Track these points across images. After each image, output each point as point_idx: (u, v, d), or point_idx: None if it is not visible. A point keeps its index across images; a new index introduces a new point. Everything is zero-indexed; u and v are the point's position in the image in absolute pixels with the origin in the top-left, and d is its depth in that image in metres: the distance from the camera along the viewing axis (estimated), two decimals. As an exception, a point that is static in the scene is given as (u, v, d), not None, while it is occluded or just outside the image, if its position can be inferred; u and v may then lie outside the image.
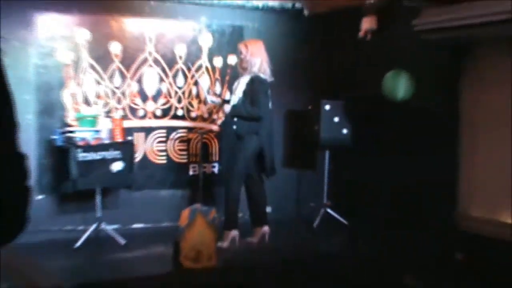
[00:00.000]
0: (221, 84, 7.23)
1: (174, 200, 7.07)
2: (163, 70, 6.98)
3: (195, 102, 7.19)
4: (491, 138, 6.11)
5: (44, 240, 6.04)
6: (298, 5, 7.46)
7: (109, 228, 6.31)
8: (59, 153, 6.30)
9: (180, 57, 7.05)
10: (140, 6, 6.81)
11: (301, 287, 5.51)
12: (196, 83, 7.10)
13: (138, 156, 6.87)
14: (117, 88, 6.76)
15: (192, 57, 7.10)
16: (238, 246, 6.09)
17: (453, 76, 6.38)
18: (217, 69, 7.17)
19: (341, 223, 7.14)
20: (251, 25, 7.42)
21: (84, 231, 6.24)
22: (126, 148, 6.41)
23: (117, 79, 6.76)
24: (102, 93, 6.68)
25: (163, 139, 7.08)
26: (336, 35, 7.52)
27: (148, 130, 6.99)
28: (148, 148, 7.00)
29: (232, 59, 7.20)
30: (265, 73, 6.16)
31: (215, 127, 7.31)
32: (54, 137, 6.34)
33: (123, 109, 6.81)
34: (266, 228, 6.40)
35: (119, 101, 6.78)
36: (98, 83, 6.65)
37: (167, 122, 7.07)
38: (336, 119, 7.07)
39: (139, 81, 6.88)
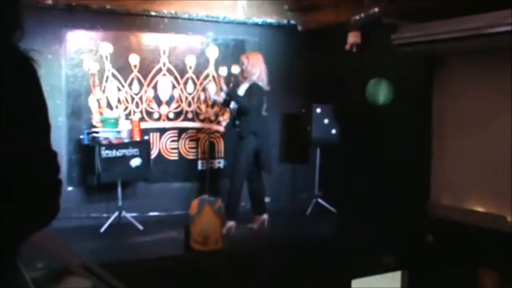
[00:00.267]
0: (227, 87, 7.22)
1: (185, 191, 7.03)
2: (175, 79, 6.97)
3: (203, 106, 7.19)
4: (459, 137, 6.12)
5: (74, 226, 5.98)
6: (292, 21, 7.48)
7: (129, 215, 6.28)
8: (86, 151, 6.30)
9: (190, 67, 7.05)
10: (155, 23, 6.80)
11: (296, 266, 5.58)
12: (204, 90, 7.14)
13: (153, 153, 6.84)
14: (135, 94, 6.75)
15: (200, 67, 7.10)
16: (235, 233, 6.06)
17: (426, 83, 6.38)
18: (222, 78, 7.12)
19: (331, 211, 7.11)
20: (252, 39, 7.38)
21: (107, 218, 6.21)
22: (143, 146, 6.39)
23: (136, 86, 6.74)
24: (123, 98, 6.69)
25: (175, 138, 7.06)
26: (325, 47, 7.48)
27: (162, 131, 6.98)
28: (163, 146, 7.00)
29: (235, 69, 7.18)
30: (263, 82, 6.17)
31: (220, 128, 7.33)
32: (82, 136, 6.34)
33: (141, 112, 6.80)
34: (265, 216, 6.39)
35: (137, 106, 6.78)
36: (119, 89, 6.65)
37: (179, 123, 7.06)
38: (326, 121, 7.05)
39: (155, 88, 6.86)
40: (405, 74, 6.44)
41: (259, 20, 7.30)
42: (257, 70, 6.15)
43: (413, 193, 6.33)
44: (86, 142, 6.29)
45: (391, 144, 6.65)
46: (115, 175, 6.16)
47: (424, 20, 5.79)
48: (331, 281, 5.71)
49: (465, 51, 5.90)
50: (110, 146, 6.11)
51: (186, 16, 6.88)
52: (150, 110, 6.88)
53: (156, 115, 6.93)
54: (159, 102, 6.93)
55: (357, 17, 6.45)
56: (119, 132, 6.35)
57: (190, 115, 7.13)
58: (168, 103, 6.99)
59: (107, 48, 6.55)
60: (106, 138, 6.18)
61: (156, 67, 6.87)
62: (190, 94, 7.09)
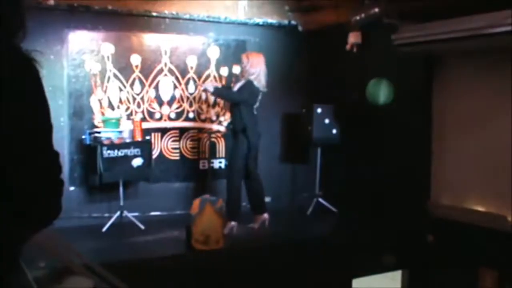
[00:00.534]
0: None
1: (186, 191, 7.05)
2: (177, 79, 6.97)
3: (204, 106, 7.19)
4: (459, 137, 6.12)
5: (75, 225, 6.03)
6: (293, 22, 7.49)
7: (130, 215, 6.29)
8: (88, 151, 6.31)
9: (191, 68, 7.05)
10: (157, 23, 6.81)
11: (296, 266, 5.58)
12: (205, 90, 7.14)
13: (155, 153, 6.85)
14: (137, 94, 6.76)
15: (201, 68, 7.10)
16: (236, 233, 6.06)
17: (426, 83, 6.39)
18: (224, 78, 7.18)
19: (331, 210, 7.11)
20: (253, 40, 7.38)
21: (109, 217, 6.24)
22: (145, 146, 6.41)
23: (137, 86, 6.75)
24: (124, 98, 6.69)
25: (177, 138, 7.06)
26: (326, 48, 7.49)
27: (163, 131, 6.98)
28: (164, 146, 7.00)
29: (236, 69, 7.20)
30: (260, 83, 6.14)
31: (221, 128, 7.33)
32: (84, 136, 6.34)
33: (142, 112, 6.81)
34: (266, 216, 6.38)
35: (138, 106, 6.78)
36: (121, 90, 6.65)
37: (180, 123, 7.06)
38: (326, 121, 7.05)
39: (156, 88, 6.87)
40: (405, 74, 6.44)
41: (260, 20, 7.32)
42: (255, 70, 6.14)
43: (413, 193, 6.33)
44: (88, 142, 6.29)
45: (391, 144, 6.64)
46: (116, 175, 6.18)
47: (424, 20, 5.79)
48: (332, 280, 5.71)
49: (465, 51, 5.89)
50: (112, 146, 6.13)
51: (187, 16, 6.89)
52: (151, 110, 6.88)
53: (157, 115, 6.93)
54: (160, 102, 6.94)
55: (357, 18, 6.46)
56: (120, 132, 6.36)
57: (191, 115, 7.13)
58: (170, 103, 6.99)
59: (108, 49, 6.55)
60: (107, 138, 6.20)
61: (158, 68, 6.87)
62: (191, 94, 7.09)
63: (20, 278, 1.39)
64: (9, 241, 1.29)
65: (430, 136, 6.38)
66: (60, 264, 3.74)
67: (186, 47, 7.03)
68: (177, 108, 7.03)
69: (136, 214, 6.49)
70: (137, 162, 6.25)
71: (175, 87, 7.00)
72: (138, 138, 6.48)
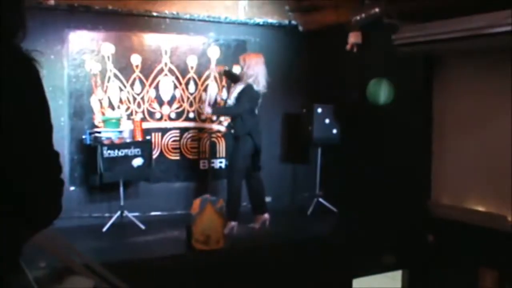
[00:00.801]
0: (227, 91, 7.26)
1: (186, 191, 7.04)
2: (177, 79, 6.97)
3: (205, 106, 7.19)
4: (459, 137, 6.12)
5: (76, 225, 6.05)
6: (293, 22, 7.49)
7: (131, 215, 6.29)
8: (88, 151, 6.29)
9: (192, 67, 7.05)
10: (157, 23, 6.81)
11: (297, 266, 5.58)
12: (205, 89, 7.15)
13: (155, 153, 6.84)
14: (137, 94, 6.75)
15: (202, 67, 7.09)
16: (237, 233, 6.04)
17: (426, 83, 6.39)
18: (224, 78, 7.19)
19: (331, 210, 7.11)
20: (253, 40, 7.38)
21: (109, 217, 6.25)
22: (145, 146, 6.40)
23: (137, 86, 6.75)
24: (125, 98, 6.69)
25: (177, 138, 7.05)
26: (326, 48, 7.50)
27: (164, 131, 6.97)
28: (164, 146, 6.99)
29: (236, 69, 7.23)
30: (258, 85, 6.10)
31: (222, 128, 7.32)
32: (84, 136, 6.33)
33: (143, 112, 6.80)
34: (266, 216, 6.37)
35: (139, 106, 6.78)
36: (121, 90, 6.65)
37: (181, 123, 7.05)
38: (327, 121, 7.04)
39: (156, 88, 6.86)
40: (405, 74, 6.45)
41: (260, 20, 7.32)
42: (253, 72, 6.11)
43: (413, 192, 6.34)
44: (88, 142, 6.29)
45: (391, 144, 6.65)
46: (117, 175, 6.17)
47: (424, 20, 5.79)
48: (332, 280, 5.72)
49: (465, 51, 5.89)
50: (112, 146, 6.13)
51: (187, 16, 6.89)
52: (152, 110, 6.88)
53: (157, 115, 6.93)
54: (160, 102, 6.93)
55: (358, 18, 6.46)
56: (121, 132, 6.36)
57: (191, 115, 7.13)
58: (170, 103, 6.99)
59: (109, 49, 6.55)
60: (108, 138, 6.20)
61: (158, 67, 6.87)
62: (191, 94, 7.08)
63: (20, 278, 1.39)
64: (9, 241, 1.29)
65: (430, 136, 6.38)
66: (60, 264, 3.74)
67: (186, 47, 7.03)
68: (178, 108, 7.03)
69: (136, 214, 6.49)
70: (137, 162, 6.25)
71: (176, 87, 7.00)
72: (139, 138, 6.49)
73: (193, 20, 6.96)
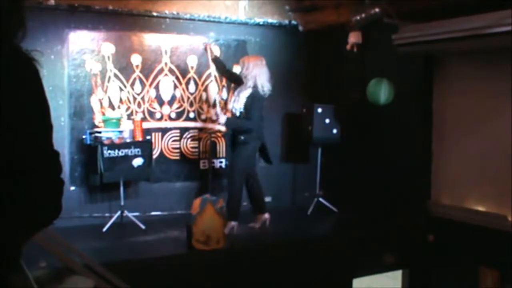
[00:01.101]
0: (228, 90, 7.27)
1: (186, 191, 7.02)
2: (177, 79, 6.96)
3: (205, 106, 7.19)
4: (459, 137, 6.14)
5: (76, 225, 6.05)
6: (294, 22, 7.50)
7: (131, 215, 6.26)
8: (88, 151, 6.27)
9: (192, 67, 7.05)
10: (157, 23, 6.80)
11: (297, 265, 5.58)
12: (205, 89, 7.14)
13: (155, 153, 6.83)
14: (137, 94, 6.74)
15: (202, 67, 7.08)
16: (237, 233, 6.02)
17: (426, 83, 6.40)
18: (224, 78, 7.19)
19: (332, 210, 7.09)
20: (253, 40, 7.37)
21: (110, 217, 6.24)
22: (145, 146, 6.38)
23: (138, 86, 6.73)
24: (125, 98, 6.68)
25: (177, 138, 7.04)
26: (326, 47, 7.52)
27: (164, 131, 6.95)
28: (164, 146, 6.97)
29: (237, 69, 7.22)
30: (263, 88, 6.09)
31: (222, 128, 7.31)
32: (84, 136, 6.31)
33: (143, 112, 6.79)
34: (267, 215, 6.36)
35: (139, 106, 6.77)
36: (121, 90, 6.63)
37: (181, 123, 7.04)
38: (327, 121, 7.03)
39: (157, 88, 6.85)
40: (405, 74, 6.46)
41: (260, 20, 7.32)
42: (252, 75, 6.08)
43: (413, 192, 6.35)
44: (88, 142, 6.27)
45: (391, 144, 6.66)
46: (117, 175, 6.15)
47: (424, 20, 5.80)
48: (332, 280, 5.72)
49: (465, 51, 5.91)
50: (112, 146, 6.11)
51: (187, 16, 6.89)
52: (152, 110, 6.87)
53: (158, 115, 6.92)
54: (161, 102, 6.92)
55: (358, 18, 6.45)
56: (121, 132, 6.34)
57: (191, 115, 7.12)
58: (170, 103, 6.98)
59: (109, 49, 6.54)
60: (108, 138, 6.19)
61: (158, 67, 6.86)
62: (192, 94, 7.08)
63: (21, 278, 1.38)
64: (9, 241, 1.28)
65: (430, 136, 6.39)
66: (61, 264, 3.74)
67: (186, 47, 7.02)
68: (178, 108, 7.02)
69: (136, 214, 6.47)
70: (137, 162, 6.24)
71: (176, 87, 6.99)
72: (139, 138, 6.47)
73: (193, 20, 6.96)
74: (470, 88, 5.96)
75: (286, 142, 7.78)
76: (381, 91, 6.38)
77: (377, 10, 6.18)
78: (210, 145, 7.15)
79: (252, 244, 5.98)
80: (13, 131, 1.23)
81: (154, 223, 6.48)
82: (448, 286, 6.01)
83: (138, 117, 6.70)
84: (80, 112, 6.45)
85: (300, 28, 7.50)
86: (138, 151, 6.26)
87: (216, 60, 6.48)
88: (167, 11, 6.75)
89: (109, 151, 6.05)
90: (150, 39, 6.81)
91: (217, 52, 7.10)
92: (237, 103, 6.16)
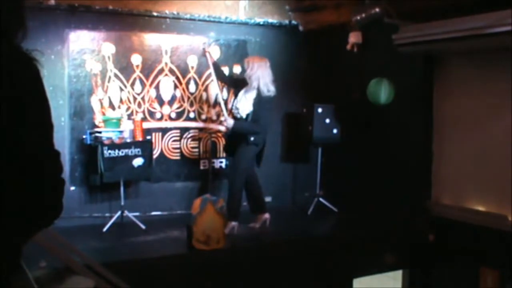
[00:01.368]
0: (228, 91, 7.27)
1: (187, 191, 7.03)
2: (177, 79, 6.96)
3: (205, 106, 7.19)
4: (459, 137, 6.14)
5: (76, 225, 6.07)
6: (294, 22, 7.50)
7: (131, 215, 6.27)
8: (88, 151, 6.28)
9: (192, 67, 7.05)
10: (157, 23, 6.80)
11: (297, 265, 5.58)
12: (206, 89, 7.14)
13: (156, 153, 6.83)
14: (137, 94, 6.74)
15: (202, 67, 7.06)
16: (237, 232, 6.01)
17: (426, 83, 6.40)
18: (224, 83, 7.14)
19: (332, 210, 7.09)
20: (254, 39, 7.38)
21: (110, 217, 6.25)
22: (146, 146, 6.37)
23: (138, 86, 6.73)
24: (125, 98, 6.67)
25: (177, 138, 7.04)
26: (327, 47, 7.52)
27: (164, 131, 6.95)
28: (165, 146, 6.97)
29: (237, 69, 7.23)
30: (269, 90, 6.05)
31: (222, 128, 7.31)
32: (84, 136, 6.32)
33: (143, 112, 6.79)
34: (267, 215, 6.35)
35: (139, 105, 6.77)
36: (122, 90, 6.63)
37: (181, 123, 7.04)
38: (327, 121, 7.03)
39: (157, 88, 6.85)
40: (405, 74, 6.46)
41: (260, 20, 7.33)
42: (256, 76, 6.06)
43: (413, 192, 6.35)
44: (88, 142, 6.27)
45: (391, 144, 6.66)
46: (117, 175, 6.15)
47: (424, 20, 5.80)
48: (333, 280, 5.72)
49: (465, 51, 5.91)
50: (113, 146, 6.11)
51: (188, 16, 6.89)
52: (152, 110, 6.87)
53: (158, 115, 6.92)
54: (161, 102, 6.92)
55: (358, 17, 6.46)
56: (121, 132, 6.34)
57: (192, 115, 7.12)
58: (170, 103, 6.98)
59: (109, 49, 6.54)
60: (108, 138, 6.19)
61: (158, 67, 6.86)
62: (192, 94, 7.08)
63: (21, 278, 1.38)
64: (10, 241, 1.29)
65: (430, 136, 6.39)
66: (61, 264, 3.74)
67: (186, 47, 7.01)
68: (178, 108, 7.02)
69: (137, 214, 6.48)
70: (138, 162, 6.24)
71: (176, 87, 6.99)
72: (139, 138, 6.48)
73: (194, 20, 6.96)
74: (470, 88, 5.96)
75: (286, 142, 7.78)
76: (381, 91, 6.38)
77: (377, 10, 6.18)
78: (210, 145, 7.14)
79: (252, 244, 5.98)
80: (14, 131, 1.24)
81: (154, 223, 6.48)
82: (448, 286, 6.01)
83: (138, 117, 6.70)
84: (80, 112, 6.45)
85: (300, 28, 7.50)
86: (138, 151, 6.26)
87: (215, 65, 6.47)
88: (167, 11, 6.75)
89: (109, 151, 6.05)
90: (150, 39, 6.81)
91: (217, 52, 7.11)
92: (243, 105, 6.13)
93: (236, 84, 6.47)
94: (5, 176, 1.23)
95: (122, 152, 6.14)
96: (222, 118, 6.71)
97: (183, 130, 7.10)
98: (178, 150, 7.09)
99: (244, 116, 6.12)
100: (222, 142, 7.31)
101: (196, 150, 7.20)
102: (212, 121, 7.27)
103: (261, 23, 7.36)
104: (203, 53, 6.49)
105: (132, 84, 6.72)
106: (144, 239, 5.99)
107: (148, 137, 6.74)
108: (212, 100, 7.18)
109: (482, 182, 5.87)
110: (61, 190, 1.38)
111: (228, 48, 7.26)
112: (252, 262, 5.46)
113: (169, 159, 7.03)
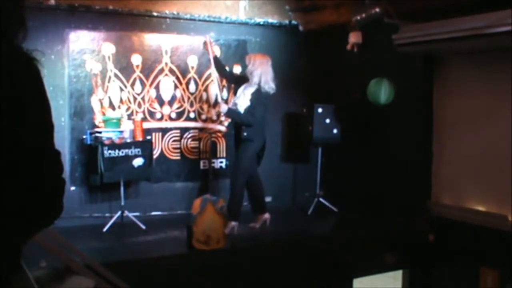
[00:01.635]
0: (228, 90, 7.27)
1: (187, 191, 7.02)
2: (178, 79, 6.96)
3: (205, 106, 7.18)
4: (459, 137, 6.14)
5: (76, 225, 6.06)
6: (294, 22, 7.50)
7: (131, 215, 6.25)
8: (89, 151, 6.27)
9: (192, 67, 7.05)
10: (157, 23, 6.80)
11: (298, 266, 5.58)
12: (206, 89, 7.15)
13: (156, 153, 6.82)
14: (138, 94, 6.74)
15: (202, 67, 7.07)
16: (237, 232, 6.00)
17: (426, 83, 6.40)
18: (224, 79, 7.16)
19: (332, 210, 7.08)
20: (254, 39, 7.38)
21: (110, 217, 6.23)
22: (146, 146, 6.37)
23: (138, 86, 6.73)
24: (125, 98, 6.67)
25: (178, 138, 7.03)
26: (327, 47, 7.53)
27: (164, 131, 6.95)
28: (165, 146, 6.97)
29: (237, 69, 7.23)
30: (267, 86, 6.06)
31: (222, 128, 7.32)
32: (84, 136, 6.32)
33: (143, 112, 6.79)
34: (267, 215, 6.35)
35: (139, 106, 6.76)
36: (122, 90, 6.63)
37: (181, 123, 7.03)
38: (327, 121, 7.02)
39: (157, 88, 6.84)
40: (405, 74, 6.46)
41: (260, 20, 7.33)
42: (257, 72, 6.06)
43: (413, 192, 6.35)
44: (88, 142, 6.27)
45: (391, 144, 6.67)
46: (117, 175, 6.14)
47: (424, 20, 5.80)
48: (333, 280, 5.72)
49: (465, 51, 5.91)
50: (113, 146, 6.10)
51: (188, 16, 6.89)
52: (152, 110, 6.87)
53: (158, 115, 6.92)
54: (161, 102, 6.92)
55: (358, 17, 6.46)
56: (121, 132, 6.34)
57: (192, 115, 7.12)
58: (170, 103, 6.98)
59: (109, 49, 6.54)
60: (108, 138, 6.19)
61: (158, 67, 6.86)
62: (192, 94, 7.08)
63: (21, 278, 1.38)
64: (10, 241, 1.29)
65: (431, 136, 6.40)
66: (61, 264, 3.75)
67: (187, 47, 7.02)
68: (178, 108, 7.02)
69: (137, 214, 6.47)
70: (138, 162, 6.23)
71: (176, 87, 6.99)
72: (139, 138, 6.47)
73: (194, 20, 6.96)
74: (470, 88, 5.97)
75: (286, 142, 7.78)
76: (382, 91, 6.38)
77: (377, 10, 6.18)
78: (210, 145, 7.14)
79: (252, 244, 5.97)
80: (14, 131, 1.24)
81: (154, 223, 6.47)
82: (448, 286, 6.01)
83: (138, 117, 6.71)
84: (81, 112, 6.45)
85: (300, 28, 7.51)
86: (138, 151, 6.25)
87: (216, 59, 6.46)
88: (167, 11, 6.75)
89: (109, 151, 6.04)
90: (151, 39, 6.81)
91: (217, 52, 7.10)
92: (241, 100, 6.14)
93: (237, 80, 6.47)
94: (5, 176, 1.23)
95: (122, 152, 6.13)
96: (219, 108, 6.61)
97: (183, 130, 7.09)
98: (178, 150, 7.08)
99: (242, 112, 6.13)
100: (222, 142, 7.31)
101: (196, 150, 7.19)
102: (212, 121, 7.27)
103: (261, 23, 7.36)
104: (205, 46, 6.47)
105: (132, 84, 6.71)
106: (144, 239, 5.98)
107: (148, 137, 6.73)
108: (212, 100, 7.18)
109: (482, 182, 5.88)
110: (61, 190, 1.37)
111: (228, 48, 7.26)
112: (252, 262, 5.46)
113: (169, 159, 7.03)
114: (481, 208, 5.83)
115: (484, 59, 5.79)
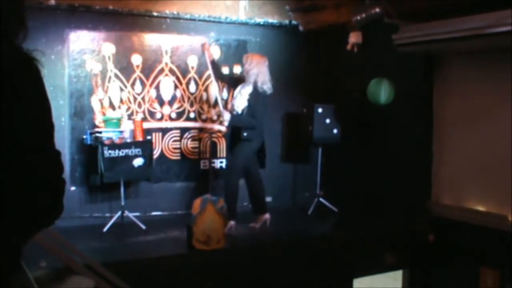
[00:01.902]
0: (228, 91, 7.27)
1: (187, 191, 7.01)
2: (178, 79, 6.96)
3: (205, 106, 7.19)
4: (459, 137, 6.14)
5: (76, 225, 6.06)
6: (294, 22, 7.50)
7: (131, 215, 6.25)
8: (89, 151, 6.28)
9: (192, 67, 7.05)
10: (157, 23, 6.80)
11: (298, 266, 5.58)
12: (206, 89, 7.15)
13: (156, 153, 6.83)
14: (138, 94, 6.75)
15: (202, 67, 7.04)
16: (238, 232, 6.01)
17: (426, 83, 6.40)
18: (221, 82, 7.15)
19: (332, 210, 7.08)
20: (254, 40, 7.38)
21: (110, 217, 6.23)
22: (146, 146, 6.37)
23: (138, 86, 6.73)
24: (125, 98, 6.67)
25: (178, 138, 7.04)
26: (327, 47, 7.53)
27: (164, 131, 6.95)
28: (165, 146, 6.97)
29: (237, 69, 7.23)
30: (263, 86, 6.07)
31: (222, 128, 7.32)
32: (84, 136, 6.32)
33: (143, 112, 6.79)
34: (267, 215, 6.35)
35: (139, 106, 6.77)
36: (122, 90, 6.64)
37: (181, 123, 7.04)
38: (327, 121, 7.02)
39: (157, 88, 6.85)
40: (405, 74, 6.46)
41: (260, 20, 7.33)
42: (254, 71, 6.07)
43: (413, 192, 6.35)
44: (89, 142, 6.28)
45: (392, 144, 6.67)
46: (118, 175, 6.15)
47: (424, 20, 5.80)
48: (333, 280, 5.72)
49: (465, 51, 5.91)
50: (113, 146, 6.11)
51: (188, 16, 6.89)
52: (152, 110, 6.87)
53: (158, 115, 6.92)
54: (161, 102, 6.92)
55: (358, 17, 6.45)
56: (121, 132, 6.35)
57: (192, 115, 7.12)
58: (170, 103, 6.98)
59: (109, 49, 6.54)
60: (108, 138, 6.19)
61: (159, 67, 6.86)
62: (192, 94, 7.08)
63: (21, 278, 1.38)
64: (11, 241, 1.29)
65: (430, 136, 6.40)
66: (61, 264, 3.74)
67: (187, 47, 7.02)
68: (178, 108, 7.02)
69: (137, 214, 6.47)
70: (138, 162, 6.23)
71: (176, 87, 6.99)
72: (139, 138, 6.47)
73: (194, 20, 6.96)
74: (470, 88, 5.97)
75: (286, 142, 7.78)
76: (382, 91, 6.38)
77: (377, 10, 6.18)
78: (210, 145, 7.14)
79: (252, 244, 5.97)
80: (15, 131, 1.24)
81: (154, 223, 6.47)
82: (448, 286, 6.01)
83: (138, 117, 6.71)
84: (81, 112, 6.45)
85: (300, 28, 7.51)
86: (138, 151, 6.25)
87: (213, 63, 6.46)
88: (167, 11, 6.75)
89: (109, 151, 6.04)
90: (151, 39, 6.81)
91: (217, 52, 7.11)
92: (239, 101, 6.14)
93: (235, 82, 6.48)
94: (6, 176, 1.23)
95: (122, 152, 6.13)
96: (221, 117, 6.66)
97: (183, 130, 7.09)
98: (178, 150, 7.09)
99: (240, 112, 6.13)
100: (222, 142, 7.31)
101: (196, 150, 7.19)
102: (212, 121, 7.27)
103: (261, 23, 7.36)
104: (202, 50, 6.47)
105: (132, 84, 6.72)
106: (144, 239, 5.98)
107: (148, 137, 6.73)
108: (212, 100, 7.18)
109: (482, 182, 5.88)
110: (61, 190, 1.37)
111: (228, 48, 7.26)
112: (252, 262, 5.45)
113: (169, 159, 7.03)
114: (481, 208, 5.83)
115: (484, 59, 5.78)
